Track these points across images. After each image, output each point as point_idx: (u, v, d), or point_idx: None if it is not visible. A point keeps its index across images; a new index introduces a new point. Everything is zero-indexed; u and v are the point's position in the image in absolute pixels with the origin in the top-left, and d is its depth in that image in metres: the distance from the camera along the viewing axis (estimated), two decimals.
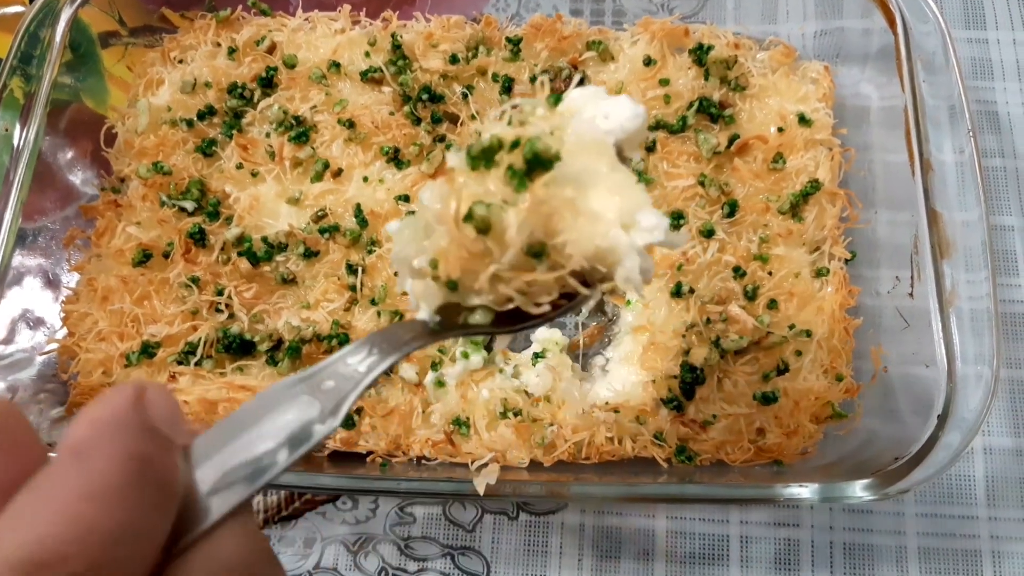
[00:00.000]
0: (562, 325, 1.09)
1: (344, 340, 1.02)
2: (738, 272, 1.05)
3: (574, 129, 0.64)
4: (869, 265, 1.11)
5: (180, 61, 1.21)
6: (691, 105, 1.14)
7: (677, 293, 1.05)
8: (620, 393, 1.01)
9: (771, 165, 1.10)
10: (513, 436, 0.97)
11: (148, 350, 1.02)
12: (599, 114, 0.66)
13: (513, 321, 0.64)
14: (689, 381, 0.99)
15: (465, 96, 1.15)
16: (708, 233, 1.07)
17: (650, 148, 1.12)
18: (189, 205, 1.10)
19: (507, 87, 1.16)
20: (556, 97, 0.66)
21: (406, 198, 1.10)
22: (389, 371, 0.97)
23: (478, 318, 0.62)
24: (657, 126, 1.13)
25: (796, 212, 1.08)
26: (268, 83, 1.18)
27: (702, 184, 1.09)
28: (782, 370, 1.00)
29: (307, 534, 1.04)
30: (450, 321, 0.64)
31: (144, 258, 1.07)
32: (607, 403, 0.99)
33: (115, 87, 1.22)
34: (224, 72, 1.18)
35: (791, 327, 1.03)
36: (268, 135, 1.14)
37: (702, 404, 1.00)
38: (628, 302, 1.07)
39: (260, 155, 1.13)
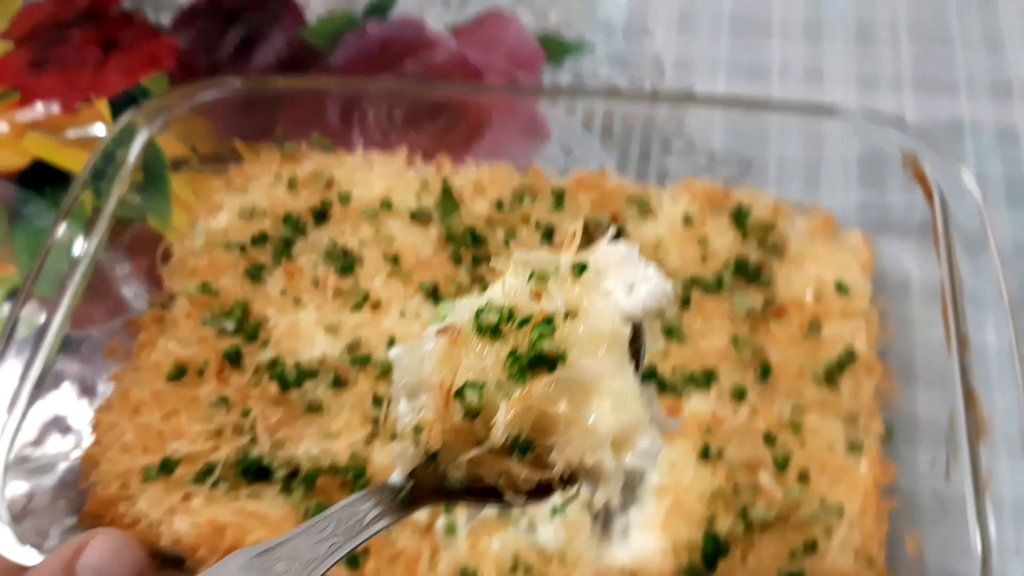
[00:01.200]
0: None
1: (360, 474, 1.01)
2: (768, 439, 1.02)
3: (593, 311, 0.64)
4: (908, 444, 1.07)
5: (242, 190, 1.27)
6: (727, 265, 1.14)
7: (704, 455, 1.02)
8: (638, 560, 0.97)
9: (807, 332, 1.09)
10: None
11: (167, 466, 1.02)
12: (623, 284, 0.67)
13: (490, 496, 0.64)
14: (711, 552, 0.95)
15: (507, 242, 1.18)
16: (739, 395, 1.05)
17: (684, 303, 1.12)
18: (230, 325, 1.13)
19: (548, 235, 1.18)
20: (581, 267, 0.68)
21: None
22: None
23: (455, 485, 0.63)
24: (693, 284, 1.14)
25: (831, 381, 1.06)
26: (322, 216, 1.23)
27: (735, 345, 1.08)
28: (809, 548, 0.95)
29: None
30: (423, 484, 0.64)
31: (179, 374, 1.09)
32: (623, 569, 0.95)
33: (179, 209, 1.29)
34: (281, 202, 1.24)
35: (822, 502, 0.98)
36: (316, 265, 1.18)
37: None
38: None
39: (305, 283, 1.16)
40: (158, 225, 1.29)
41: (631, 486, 0.65)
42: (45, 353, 1.06)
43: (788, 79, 1.47)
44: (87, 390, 1.12)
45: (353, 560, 0.96)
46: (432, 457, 0.64)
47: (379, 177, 1.26)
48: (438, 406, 0.62)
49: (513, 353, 0.62)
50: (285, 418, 1.06)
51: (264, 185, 1.26)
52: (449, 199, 1.22)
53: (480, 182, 1.24)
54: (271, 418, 1.06)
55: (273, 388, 1.07)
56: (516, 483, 0.64)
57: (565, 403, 0.62)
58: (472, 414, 0.61)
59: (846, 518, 0.97)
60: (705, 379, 1.06)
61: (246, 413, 1.06)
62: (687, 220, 1.18)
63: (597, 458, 0.61)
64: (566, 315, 0.65)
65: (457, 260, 1.17)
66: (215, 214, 1.25)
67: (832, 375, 1.06)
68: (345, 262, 1.17)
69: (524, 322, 0.64)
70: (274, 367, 1.09)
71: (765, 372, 1.07)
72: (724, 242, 1.17)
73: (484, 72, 1.49)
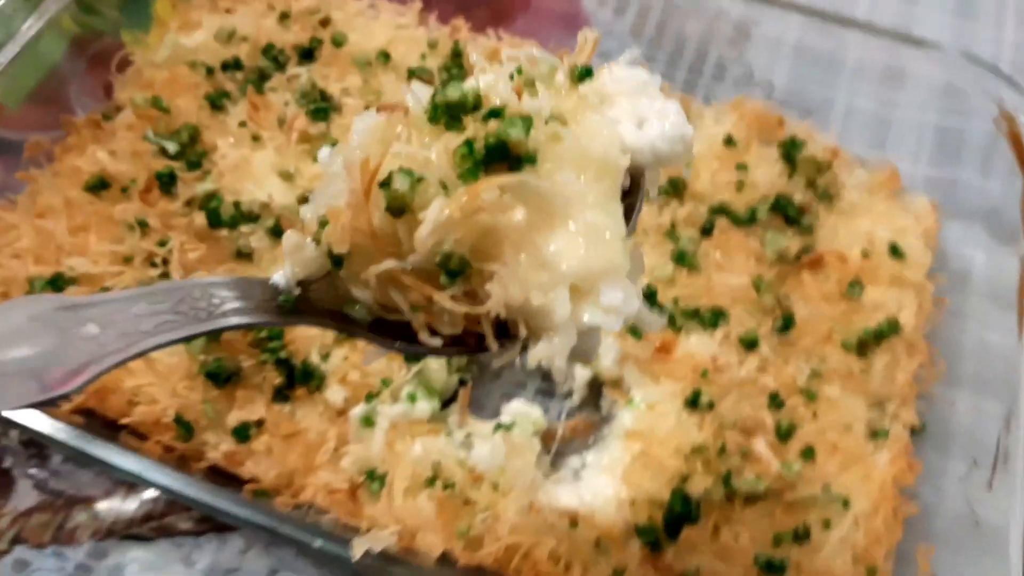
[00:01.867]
0: (545, 406, 0.88)
1: (277, 336, 0.83)
2: (775, 401, 0.83)
3: (586, 127, 0.48)
4: (937, 448, 0.88)
5: (228, 11, 1.10)
6: (765, 200, 0.95)
7: (693, 404, 0.83)
8: (586, 504, 0.78)
9: (846, 291, 0.90)
10: (433, 513, 0.74)
11: (57, 283, 0.85)
12: (632, 116, 0.50)
13: (401, 336, 0.49)
14: (678, 514, 0.76)
15: None
16: (750, 344, 0.86)
17: (706, 231, 0.93)
18: (172, 147, 0.95)
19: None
20: (585, 70, 0.51)
21: None
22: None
23: (357, 311, 0.48)
24: (721, 211, 0.95)
25: (864, 352, 0.87)
26: (308, 55, 1.05)
27: (757, 288, 0.90)
28: (800, 536, 0.76)
29: (153, 564, 0.81)
30: (317, 301, 0.49)
31: (99, 185, 0.92)
32: (565, 509, 0.76)
33: (158, 30, 1.12)
34: (266, 32, 1.06)
35: (825, 487, 0.79)
36: (287, 104, 1.00)
37: (686, 549, 0.76)
38: (630, 400, 0.86)
39: (269, 120, 0.99)
40: (130, 43, 1.12)
41: (583, 352, 0.47)
42: None
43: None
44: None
45: (243, 430, 0.78)
46: (336, 263, 0.47)
47: (382, 27, 1.08)
48: (355, 192, 0.45)
49: (468, 144, 0.44)
50: (207, 258, 0.89)
51: (253, 12, 1.09)
52: (457, 64, 1.04)
53: (497, 53, 1.06)
54: (190, 254, 0.88)
55: (201, 221, 0.90)
56: (436, 321, 0.47)
57: (521, 215, 0.45)
58: (397, 210, 0.44)
59: (851, 512, 0.78)
60: (712, 318, 0.87)
61: (163, 243, 0.88)
62: (728, 141, 1.00)
63: (547, 300, 0.44)
64: (548, 121, 0.47)
65: None
66: (190, 32, 1.07)
67: (866, 345, 0.87)
68: (320, 105, 0.99)
69: (493, 115, 0.46)
70: (209, 201, 0.91)
71: (786, 325, 0.88)
72: (767, 174, 0.98)
73: None
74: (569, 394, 0.89)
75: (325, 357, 0.83)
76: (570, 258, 0.45)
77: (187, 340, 0.46)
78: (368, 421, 0.79)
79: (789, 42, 1.17)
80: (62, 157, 0.95)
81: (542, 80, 0.50)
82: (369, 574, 0.77)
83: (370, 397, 0.80)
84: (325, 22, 1.07)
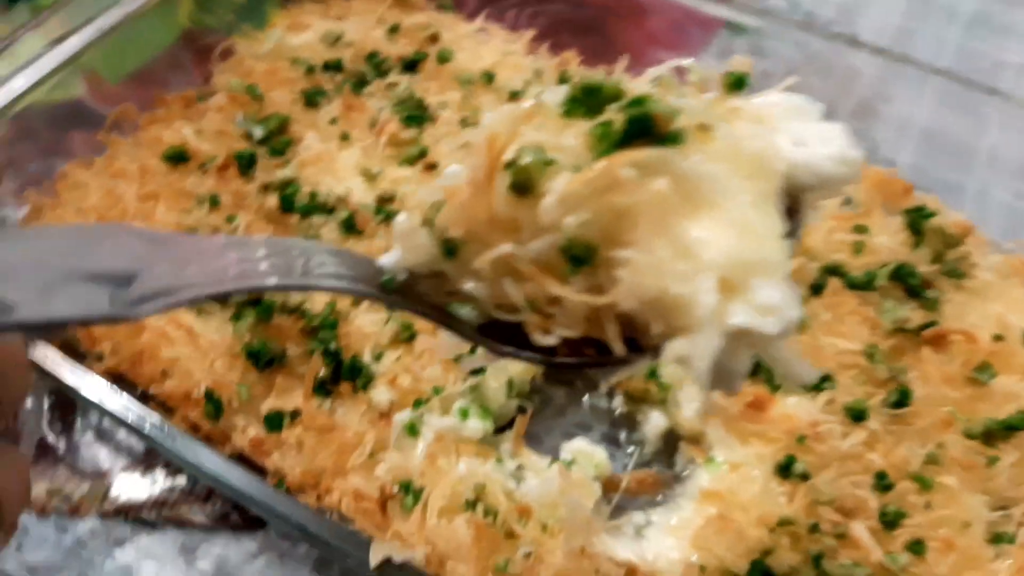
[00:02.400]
0: (610, 453, 0.77)
1: (331, 325, 0.76)
2: (882, 482, 0.71)
3: (738, 133, 0.43)
4: None
5: (339, 18, 1.09)
6: (885, 266, 0.85)
7: (785, 471, 0.71)
8: (647, 562, 0.66)
9: (972, 374, 0.78)
10: (469, 539, 0.64)
11: None
12: (791, 136, 0.45)
13: (508, 341, 0.43)
14: None
15: None
16: (857, 415, 0.75)
17: (816, 289, 0.84)
18: (259, 132, 0.92)
19: None
20: (739, 78, 0.46)
21: None
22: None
23: (464, 310, 0.43)
24: (834, 271, 0.85)
25: (990, 444, 0.74)
26: (411, 67, 1.02)
27: (870, 357, 0.79)
28: None
29: (152, 553, 0.72)
30: (423, 294, 0.45)
31: (177, 157, 0.88)
32: (623, 562, 0.65)
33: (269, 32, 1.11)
34: (373, 41, 1.04)
35: None
36: (381, 110, 0.97)
37: None
38: (711, 459, 0.75)
39: (361, 121, 0.95)
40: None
41: (727, 373, 0.39)
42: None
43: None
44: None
45: (276, 419, 0.70)
46: (448, 251, 0.42)
47: (490, 51, 1.05)
48: (478, 168, 0.40)
49: (606, 123, 0.39)
50: None
51: (363, 23, 1.08)
52: None
53: None
54: (257, 235, 0.83)
55: (273, 204, 0.85)
56: (553, 323, 0.41)
57: (662, 190, 0.38)
58: (522, 187, 0.39)
59: None
60: (819, 382, 0.76)
61: (231, 219, 0.84)
62: (847, 202, 0.91)
63: (688, 290, 0.37)
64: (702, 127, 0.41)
65: None
66: (298, 32, 1.06)
67: (992, 437, 0.74)
68: (415, 113, 0.95)
69: (636, 103, 0.40)
70: (286, 187, 0.87)
71: (901, 401, 0.76)
72: (888, 240, 0.88)
73: (651, 11, 1.28)
74: (640, 443, 0.79)
75: (378, 357, 0.75)
76: (717, 247, 0.38)
77: (274, 290, 0.44)
78: (412, 429, 0.70)
79: (919, 122, 1.09)
80: (147, 127, 0.93)
81: (691, 86, 0.45)
82: None
83: (418, 404, 0.71)
84: (434, 38, 1.05)
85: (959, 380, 0.78)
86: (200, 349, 0.74)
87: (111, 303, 0.36)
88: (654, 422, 0.78)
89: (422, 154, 0.91)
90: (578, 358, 0.42)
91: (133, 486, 0.75)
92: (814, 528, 0.68)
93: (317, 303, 0.78)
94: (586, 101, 0.41)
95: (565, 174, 0.39)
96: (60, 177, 0.87)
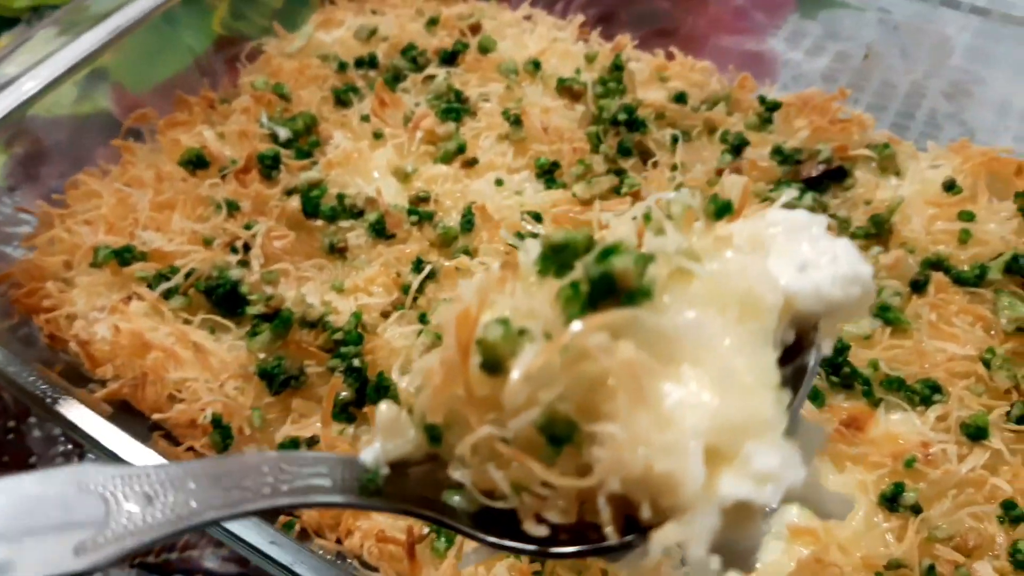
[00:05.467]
0: None
1: (355, 341, 0.67)
2: (1010, 512, 0.59)
3: (725, 264, 0.40)
4: None
5: (374, 12, 1.01)
6: (997, 258, 0.73)
7: (891, 503, 0.60)
8: None
9: None
10: None
11: (124, 255, 0.74)
12: (791, 258, 0.41)
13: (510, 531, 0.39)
14: None
15: (674, 142, 0.83)
16: (976, 433, 0.62)
17: (917, 286, 0.72)
18: (284, 133, 0.85)
19: (736, 149, 0.82)
20: (723, 205, 0.43)
21: (538, 217, 0.77)
22: None
23: (456, 501, 0.40)
24: (937, 264, 0.73)
25: None
26: (451, 59, 0.94)
27: (987, 364, 0.66)
28: None
29: None
30: (409, 487, 0.41)
31: (196, 163, 0.82)
32: None
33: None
34: (410, 35, 0.96)
35: None
36: (417, 105, 0.89)
37: None
38: None
39: (395, 118, 0.87)
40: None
41: (737, 548, 0.35)
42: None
43: None
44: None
45: (292, 448, 0.62)
46: (432, 437, 0.39)
47: (536, 39, 0.96)
48: (449, 347, 0.37)
49: (573, 284, 0.36)
50: (294, 248, 0.75)
51: (400, 16, 1.00)
52: (616, 76, 0.89)
53: (665, 67, 0.91)
54: (276, 242, 0.75)
55: (294, 206, 0.77)
56: (546, 507, 0.37)
57: (633, 358, 0.35)
58: (492, 365, 0.36)
59: None
60: (925, 392, 0.65)
61: (249, 226, 0.76)
62: (949, 186, 0.78)
63: (672, 465, 0.33)
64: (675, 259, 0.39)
65: (596, 143, 0.83)
66: (330, 29, 0.99)
67: None
68: (453, 105, 0.87)
69: (606, 254, 0.36)
70: (311, 190, 0.79)
71: None
72: (999, 228, 0.76)
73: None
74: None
75: (407, 374, 0.66)
76: (700, 410, 0.34)
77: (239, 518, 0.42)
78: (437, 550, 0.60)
79: (1019, 104, 0.96)
80: (166, 132, 0.86)
81: (674, 221, 0.41)
82: None
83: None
84: (475, 28, 0.97)
85: None
86: (211, 370, 0.66)
87: (72, 557, 0.36)
88: None
89: (460, 150, 0.83)
90: (577, 546, 0.38)
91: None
92: (930, 571, 0.56)
93: (341, 315, 0.70)
94: (556, 258, 0.38)
95: (531, 348, 0.35)
96: (71, 187, 0.81)
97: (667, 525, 0.34)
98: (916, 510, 0.59)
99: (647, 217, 0.41)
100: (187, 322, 0.71)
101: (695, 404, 0.35)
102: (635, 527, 0.36)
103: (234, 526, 0.55)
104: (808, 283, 0.40)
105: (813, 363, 0.41)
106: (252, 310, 0.71)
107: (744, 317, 0.38)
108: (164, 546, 0.67)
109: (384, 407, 0.41)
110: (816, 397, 0.65)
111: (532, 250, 0.39)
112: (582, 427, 0.35)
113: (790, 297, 0.39)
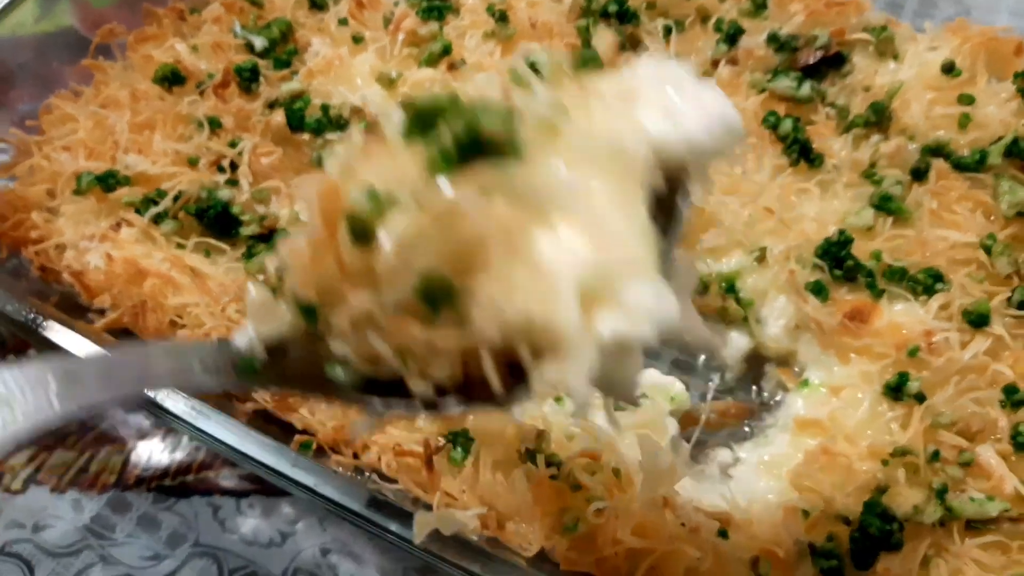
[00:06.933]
0: (687, 380, 0.67)
1: None
2: (1011, 397, 0.60)
3: (593, 118, 0.40)
4: None
5: None
6: (998, 141, 0.72)
7: (896, 392, 0.61)
8: (740, 509, 0.57)
9: None
10: (530, 497, 0.55)
11: (108, 180, 0.71)
12: (659, 108, 0.41)
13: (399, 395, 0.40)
14: (874, 535, 0.54)
15: (667, 33, 0.80)
16: (978, 320, 0.63)
17: (918, 174, 0.71)
18: (260, 43, 0.81)
19: (731, 38, 0.80)
20: (590, 57, 0.43)
21: None
22: None
23: (338, 374, 0.41)
24: (937, 151, 0.72)
25: None
26: None
27: (987, 250, 0.67)
28: None
29: (178, 527, 0.65)
30: (293, 366, 0.42)
31: (172, 79, 0.78)
32: (712, 512, 0.56)
33: None
34: None
35: None
36: (397, 3, 0.85)
37: None
38: (805, 382, 0.65)
39: (375, 20, 0.83)
40: None
41: (618, 382, 0.37)
42: None
43: None
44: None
45: None
46: (308, 316, 0.39)
47: None
48: (314, 224, 0.37)
49: (441, 147, 0.36)
50: (283, 164, 0.73)
51: None
52: None
53: None
54: (264, 159, 0.73)
55: (279, 120, 0.75)
56: (432, 368, 0.38)
57: (504, 213, 0.36)
58: (360, 235, 0.36)
59: None
60: (926, 282, 0.65)
61: (234, 144, 0.74)
62: (948, 69, 0.77)
63: (548, 311, 0.34)
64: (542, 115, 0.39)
65: (587, 36, 0.80)
66: None
67: None
68: (434, 3, 0.83)
69: (466, 120, 0.37)
70: (294, 102, 0.76)
71: None
72: (998, 111, 0.75)
73: None
74: (719, 370, 0.68)
75: None
76: (573, 258, 0.35)
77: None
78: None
79: None
80: (136, 48, 0.82)
81: (542, 77, 0.41)
82: (442, 570, 0.58)
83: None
84: None
85: None
86: (210, 293, 0.65)
87: None
88: (735, 344, 0.68)
89: (445, 51, 0.80)
90: (464, 399, 0.39)
91: (154, 451, 0.68)
92: (935, 457, 0.58)
93: None
94: (421, 122, 0.37)
95: (401, 214, 0.35)
96: (44, 112, 0.77)
97: (548, 365, 0.35)
98: (920, 398, 0.61)
99: (514, 75, 0.41)
100: (180, 246, 0.70)
101: (568, 252, 0.35)
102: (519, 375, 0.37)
103: (254, 450, 0.55)
104: (676, 130, 0.41)
105: (684, 207, 0.42)
106: (246, 231, 0.69)
107: (613, 167, 0.39)
108: (179, 468, 0.68)
109: (253, 289, 0.41)
110: (820, 291, 0.65)
111: (396, 116, 0.39)
112: (459, 286, 0.36)
113: (658, 144, 0.40)
